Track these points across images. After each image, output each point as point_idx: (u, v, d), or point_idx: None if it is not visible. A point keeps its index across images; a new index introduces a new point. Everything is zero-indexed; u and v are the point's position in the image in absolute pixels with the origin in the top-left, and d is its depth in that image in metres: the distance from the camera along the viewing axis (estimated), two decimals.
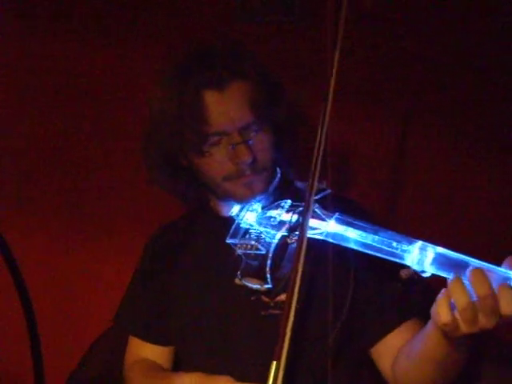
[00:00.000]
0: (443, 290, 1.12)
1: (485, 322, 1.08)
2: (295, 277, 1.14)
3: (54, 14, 2.13)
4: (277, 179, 1.54)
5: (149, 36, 2.11)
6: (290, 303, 1.13)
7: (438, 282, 1.26)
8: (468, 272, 1.08)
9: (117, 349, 1.81)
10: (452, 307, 1.11)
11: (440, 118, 2.06)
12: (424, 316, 1.38)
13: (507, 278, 1.06)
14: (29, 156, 2.16)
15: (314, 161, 1.19)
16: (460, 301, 1.08)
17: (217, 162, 1.46)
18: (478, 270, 1.07)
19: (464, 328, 1.10)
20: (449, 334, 1.14)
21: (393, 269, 1.39)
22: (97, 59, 2.13)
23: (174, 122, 1.45)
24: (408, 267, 1.38)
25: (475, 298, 1.07)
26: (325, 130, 1.19)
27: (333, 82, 1.20)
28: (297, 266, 1.14)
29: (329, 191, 1.33)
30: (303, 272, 1.14)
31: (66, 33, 2.12)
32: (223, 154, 1.45)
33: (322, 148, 1.18)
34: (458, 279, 1.09)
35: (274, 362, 1.08)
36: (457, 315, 1.10)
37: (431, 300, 1.17)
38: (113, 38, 2.12)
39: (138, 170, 2.08)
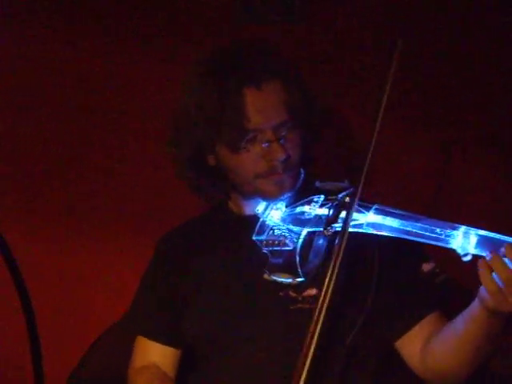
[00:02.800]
0: (480, 264, 1.18)
1: None
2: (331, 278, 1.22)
3: (57, 16, 2.12)
4: (301, 179, 1.57)
5: (149, 37, 2.11)
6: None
7: (459, 275, 1.27)
8: (504, 249, 1.15)
9: (117, 349, 1.81)
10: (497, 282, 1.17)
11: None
12: (447, 307, 1.46)
13: None
14: (30, 156, 2.15)
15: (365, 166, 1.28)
16: (503, 273, 1.15)
17: (250, 159, 1.49)
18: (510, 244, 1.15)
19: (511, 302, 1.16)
20: (498, 309, 1.19)
21: (414, 263, 1.43)
22: (101, 61, 2.12)
23: (212, 117, 1.48)
24: (430, 261, 1.46)
25: None
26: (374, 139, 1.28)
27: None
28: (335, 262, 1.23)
29: (352, 189, 1.38)
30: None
31: (72, 34, 2.12)
32: (257, 150, 1.48)
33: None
34: (497, 254, 1.15)
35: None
36: (502, 287, 1.16)
37: (453, 292, 1.21)
38: (114, 38, 2.11)
39: (141, 171, 2.09)
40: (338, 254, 1.24)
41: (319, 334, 1.22)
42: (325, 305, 1.23)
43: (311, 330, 1.22)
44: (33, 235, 2.13)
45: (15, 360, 2.00)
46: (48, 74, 2.14)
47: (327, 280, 1.23)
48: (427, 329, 1.46)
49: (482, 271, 1.17)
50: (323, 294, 1.23)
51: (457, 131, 2.06)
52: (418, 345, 1.46)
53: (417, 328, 1.47)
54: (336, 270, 1.24)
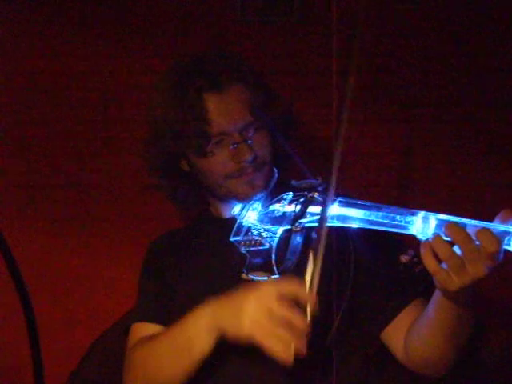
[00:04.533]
0: (422, 245, 1.18)
1: (473, 269, 1.14)
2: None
3: (58, 18, 2.13)
4: (275, 178, 1.59)
5: (149, 37, 2.11)
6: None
7: None
8: (443, 229, 1.15)
9: (117, 348, 1.81)
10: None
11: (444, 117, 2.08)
12: (426, 296, 1.43)
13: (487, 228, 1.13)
14: (29, 156, 2.16)
15: (334, 159, 1.26)
16: (442, 251, 1.15)
17: (219, 162, 1.52)
18: (450, 223, 1.15)
19: (456, 279, 1.16)
20: (446, 288, 1.19)
21: (393, 253, 1.42)
22: (99, 60, 2.12)
23: (177, 125, 1.52)
24: (409, 251, 1.43)
25: (457, 250, 1.14)
26: (342, 131, 1.26)
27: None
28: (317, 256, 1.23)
29: (323, 185, 1.40)
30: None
31: (71, 34, 2.12)
32: (225, 153, 1.51)
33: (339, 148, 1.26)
34: (437, 235, 1.16)
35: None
36: (445, 267, 1.16)
37: (432, 280, 1.22)
38: (114, 39, 2.12)
39: (141, 172, 2.09)
40: (316, 252, 1.23)
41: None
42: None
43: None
44: (33, 235, 2.13)
45: (15, 360, 2.00)
46: (50, 73, 2.14)
47: (308, 279, 1.23)
48: (409, 319, 1.46)
49: (424, 252, 1.18)
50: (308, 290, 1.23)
51: (422, 124, 2.09)
52: (401, 336, 1.47)
53: (398, 319, 1.48)
54: (318, 269, 1.23)
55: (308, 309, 1.23)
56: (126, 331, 1.63)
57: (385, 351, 1.52)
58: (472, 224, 1.15)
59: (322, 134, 2.01)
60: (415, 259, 1.46)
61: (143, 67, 2.11)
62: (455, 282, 1.16)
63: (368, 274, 1.48)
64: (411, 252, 1.47)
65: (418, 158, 2.09)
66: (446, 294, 1.24)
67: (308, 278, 1.23)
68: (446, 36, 2.07)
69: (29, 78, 2.13)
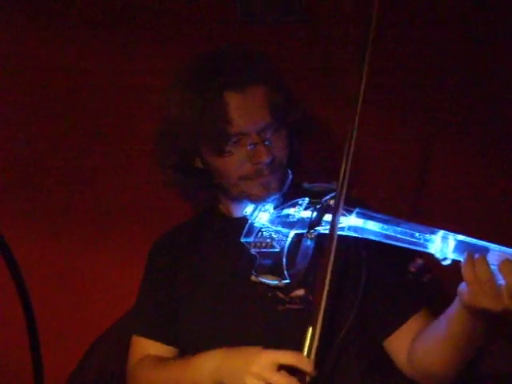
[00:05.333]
0: (467, 254, 1.18)
1: (510, 301, 1.15)
2: (325, 272, 1.25)
3: (57, 17, 2.13)
4: (289, 180, 1.57)
5: (150, 37, 2.12)
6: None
7: (445, 274, 1.29)
8: (498, 261, 1.15)
9: (117, 349, 1.81)
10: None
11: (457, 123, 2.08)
12: (433, 306, 1.46)
13: None
14: (30, 156, 2.16)
15: (343, 164, 1.29)
16: (484, 275, 1.15)
17: (236, 162, 1.49)
18: (508, 261, 1.15)
19: (486, 300, 1.16)
20: (472, 301, 1.19)
21: (402, 262, 1.43)
22: (101, 60, 2.12)
23: (195, 123, 1.49)
24: (418, 259, 1.43)
25: (503, 282, 1.15)
26: (354, 135, 1.28)
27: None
28: (327, 263, 1.25)
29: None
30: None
31: (72, 33, 2.12)
32: (242, 154, 1.49)
33: (351, 151, 1.28)
34: (483, 258, 1.16)
35: (310, 328, 1.23)
36: (481, 283, 1.16)
37: (439, 291, 1.24)
38: (115, 41, 2.12)
39: (141, 172, 2.09)
40: (328, 259, 1.25)
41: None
42: (321, 308, 1.24)
43: (312, 331, 1.24)
44: (33, 235, 2.13)
45: (15, 360, 2.00)
46: (46, 74, 2.13)
47: (321, 285, 1.24)
48: (414, 328, 1.46)
49: (466, 261, 1.18)
50: (318, 298, 1.24)
51: (437, 130, 2.08)
52: (405, 345, 1.46)
53: (403, 328, 1.47)
54: (328, 275, 1.25)
55: (307, 378, 1.25)
56: (125, 333, 1.65)
57: (387, 359, 1.51)
58: (495, 248, 1.17)
59: (327, 136, 2.02)
60: (425, 268, 1.46)
61: (143, 67, 2.11)
62: (483, 302, 1.17)
63: (378, 282, 1.47)
64: (420, 261, 1.47)
65: (426, 160, 2.09)
66: (468, 307, 1.23)
67: (306, 344, 1.25)
68: (462, 38, 2.06)
69: (30, 77, 2.13)
